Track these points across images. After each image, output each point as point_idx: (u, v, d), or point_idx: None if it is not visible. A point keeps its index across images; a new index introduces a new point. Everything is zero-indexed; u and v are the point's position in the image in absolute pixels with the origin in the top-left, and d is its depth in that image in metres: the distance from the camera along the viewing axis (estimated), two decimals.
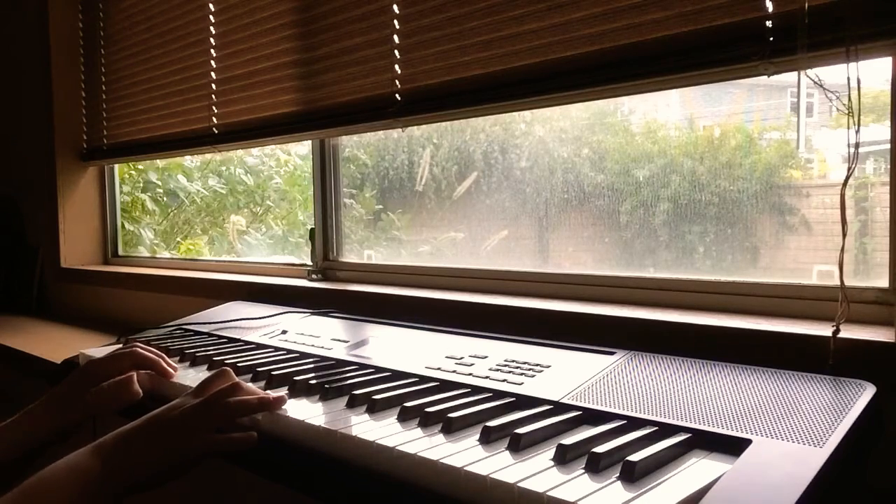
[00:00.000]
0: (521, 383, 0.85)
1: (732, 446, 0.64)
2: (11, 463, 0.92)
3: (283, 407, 0.84)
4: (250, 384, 0.90)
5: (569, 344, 0.96)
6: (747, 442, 0.64)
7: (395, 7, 1.38)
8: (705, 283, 1.09)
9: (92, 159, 2.36)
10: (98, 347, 1.24)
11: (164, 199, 2.63)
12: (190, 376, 1.02)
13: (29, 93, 2.47)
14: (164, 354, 1.07)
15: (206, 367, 1.07)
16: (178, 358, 1.13)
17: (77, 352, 1.23)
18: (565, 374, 0.86)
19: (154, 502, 0.89)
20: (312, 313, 1.34)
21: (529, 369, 0.89)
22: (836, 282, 0.83)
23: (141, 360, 1.03)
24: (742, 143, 1.17)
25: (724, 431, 0.67)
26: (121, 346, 1.14)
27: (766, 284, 1.03)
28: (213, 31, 1.83)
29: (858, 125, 0.81)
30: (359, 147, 1.78)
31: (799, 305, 0.99)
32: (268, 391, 0.89)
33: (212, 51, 1.84)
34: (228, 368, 0.90)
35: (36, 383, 1.61)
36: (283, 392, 0.88)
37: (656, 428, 0.70)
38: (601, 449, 0.63)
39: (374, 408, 0.81)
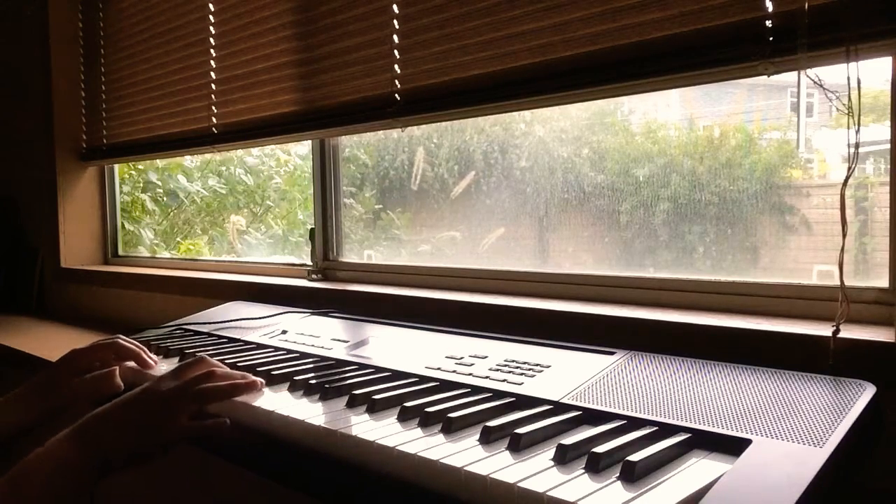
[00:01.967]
0: (521, 383, 0.85)
1: (732, 446, 0.64)
2: None
3: (258, 392, 0.87)
4: (227, 369, 0.92)
5: (569, 344, 0.96)
6: (747, 442, 0.64)
7: (395, 7, 1.38)
8: (705, 283, 1.09)
9: (92, 159, 2.36)
10: None
11: (164, 199, 2.63)
12: None
13: (29, 93, 2.47)
14: (144, 347, 1.10)
15: None
16: (178, 358, 1.13)
17: None
18: (565, 374, 0.86)
19: (154, 503, 0.89)
20: (312, 313, 1.34)
21: (529, 369, 0.89)
22: (836, 282, 0.83)
23: (123, 350, 1.06)
24: (742, 142, 1.17)
25: (724, 431, 0.67)
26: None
27: (766, 284, 1.03)
28: (213, 31, 1.83)
29: (858, 125, 0.81)
30: (359, 147, 1.78)
31: (799, 305, 0.99)
32: (246, 376, 0.90)
33: (212, 51, 1.84)
34: (204, 356, 0.92)
35: None
36: (259, 379, 0.90)
37: (656, 428, 0.70)
38: (601, 449, 0.63)
39: (374, 408, 0.81)
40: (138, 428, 0.82)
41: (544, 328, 1.08)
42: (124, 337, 1.11)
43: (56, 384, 1.00)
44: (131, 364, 1.07)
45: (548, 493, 0.57)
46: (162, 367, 1.09)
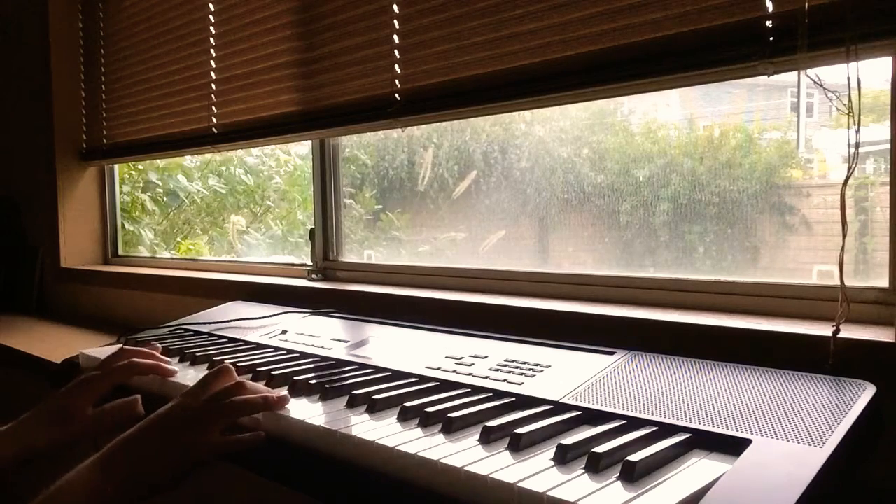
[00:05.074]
0: (521, 383, 0.85)
1: (732, 446, 0.64)
2: (2, 472, 0.90)
3: (286, 406, 0.84)
4: (253, 382, 0.88)
5: (569, 344, 0.96)
6: (747, 442, 0.64)
7: (395, 7, 1.38)
8: (705, 283, 1.09)
9: (92, 159, 2.36)
10: (98, 347, 1.24)
11: (164, 199, 2.63)
12: (190, 376, 1.02)
13: (29, 93, 2.47)
14: (158, 354, 1.06)
15: (206, 366, 1.07)
16: (178, 358, 1.13)
17: (77, 352, 1.23)
18: (565, 374, 0.86)
19: (151, 501, 0.89)
20: (312, 313, 1.34)
21: (529, 369, 0.89)
22: (836, 282, 0.83)
23: (140, 368, 1.01)
24: (742, 142, 1.17)
25: (724, 431, 0.67)
26: (117, 347, 1.13)
27: (766, 284, 1.03)
28: (213, 31, 1.83)
29: (858, 125, 0.81)
30: (359, 147, 1.78)
31: (799, 305, 0.99)
32: (273, 390, 0.88)
33: (212, 51, 1.84)
34: (229, 366, 0.88)
35: (36, 383, 1.61)
36: (284, 391, 0.87)
37: (656, 428, 0.70)
38: (601, 449, 0.63)
39: (374, 408, 0.81)
40: (169, 448, 0.77)
41: (544, 328, 1.08)
42: (134, 351, 1.05)
43: (72, 413, 0.93)
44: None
45: (548, 493, 0.57)
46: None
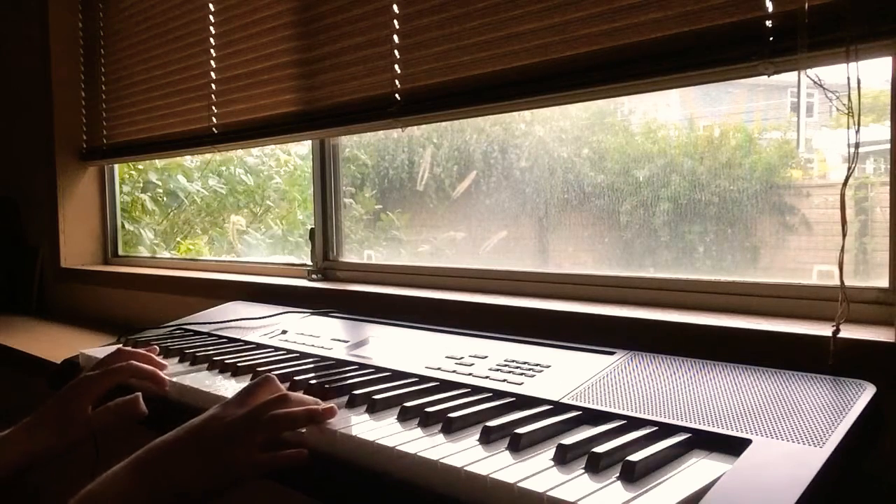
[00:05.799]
0: (521, 383, 0.85)
1: (732, 446, 0.64)
2: (2, 480, 0.88)
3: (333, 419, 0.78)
4: (299, 394, 0.82)
5: (569, 344, 0.96)
6: (747, 442, 0.64)
7: (395, 7, 1.38)
8: (705, 283, 1.09)
9: (92, 159, 2.36)
10: (98, 347, 1.24)
11: (164, 199, 2.63)
12: (190, 376, 1.02)
13: (29, 93, 2.47)
14: (155, 358, 1.04)
15: (205, 366, 1.07)
16: (177, 358, 1.13)
17: (77, 352, 1.23)
18: (565, 374, 0.86)
19: None
20: (312, 313, 1.34)
21: (529, 369, 0.89)
22: (836, 282, 0.83)
23: (137, 371, 0.99)
24: (742, 142, 1.17)
25: (724, 431, 0.67)
26: (115, 347, 1.12)
27: (766, 284, 1.03)
28: (213, 31, 1.83)
29: (858, 125, 0.81)
30: (359, 147, 1.78)
31: (799, 305, 0.99)
32: (319, 402, 0.81)
33: (212, 51, 1.84)
34: (272, 376, 0.82)
35: (36, 383, 1.61)
36: (332, 402, 0.81)
37: (656, 428, 0.70)
38: (601, 449, 0.63)
39: (374, 408, 0.81)
40: (205, 461, 0.72)
41: (544, 328, 1.08)
42: (133, 352, 1.04)
43: (71, 415, 0.92)
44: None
45: (548, 493, 0.57)
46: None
